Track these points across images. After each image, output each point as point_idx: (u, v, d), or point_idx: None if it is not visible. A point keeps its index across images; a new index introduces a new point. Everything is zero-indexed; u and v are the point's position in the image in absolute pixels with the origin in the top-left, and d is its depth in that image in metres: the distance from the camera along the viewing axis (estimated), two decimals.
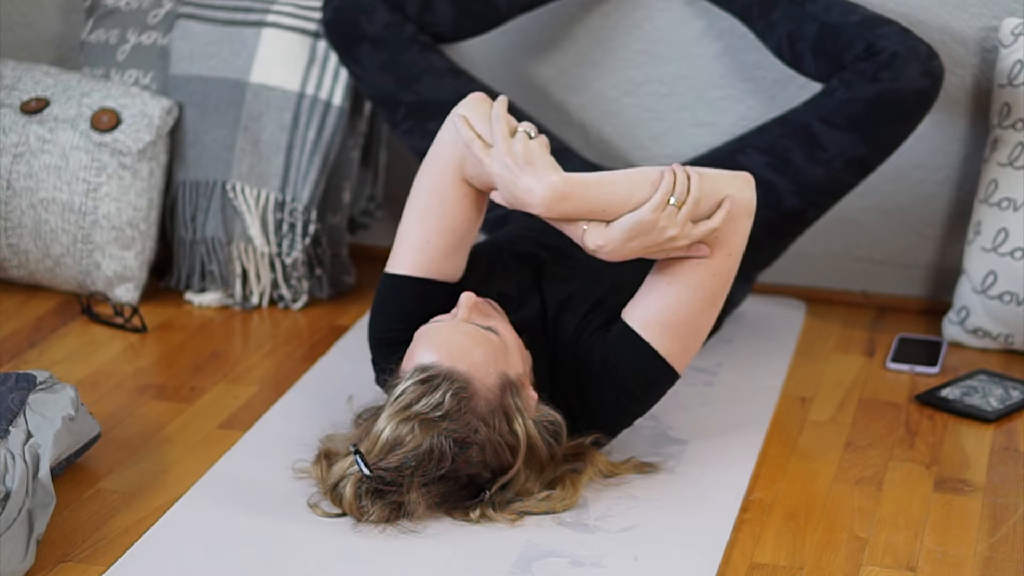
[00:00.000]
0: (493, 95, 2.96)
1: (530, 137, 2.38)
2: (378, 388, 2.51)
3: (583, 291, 2.52)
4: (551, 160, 2.37)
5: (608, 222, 2.36)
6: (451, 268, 2.51)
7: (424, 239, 2.48)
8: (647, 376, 2.43)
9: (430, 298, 2.49)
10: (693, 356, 2.46)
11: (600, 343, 2.44)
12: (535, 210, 2.35)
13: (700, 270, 2.39)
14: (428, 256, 2.49)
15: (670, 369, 2.43)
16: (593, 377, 2.43)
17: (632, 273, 2.48)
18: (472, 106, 2.46)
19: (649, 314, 2.41)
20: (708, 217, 2.36)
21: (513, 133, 2.39)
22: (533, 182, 2.35)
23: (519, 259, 2.61)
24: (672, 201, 2.33)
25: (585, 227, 2.36)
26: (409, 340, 2.39)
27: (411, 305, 2.49)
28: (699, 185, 2.34)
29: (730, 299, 2.83)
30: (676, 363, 2.43)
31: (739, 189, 2.39)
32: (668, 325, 2.40)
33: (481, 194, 2.48)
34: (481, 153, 2.40)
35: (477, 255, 2.63)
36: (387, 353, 2.47)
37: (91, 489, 2.45)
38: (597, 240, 2.36)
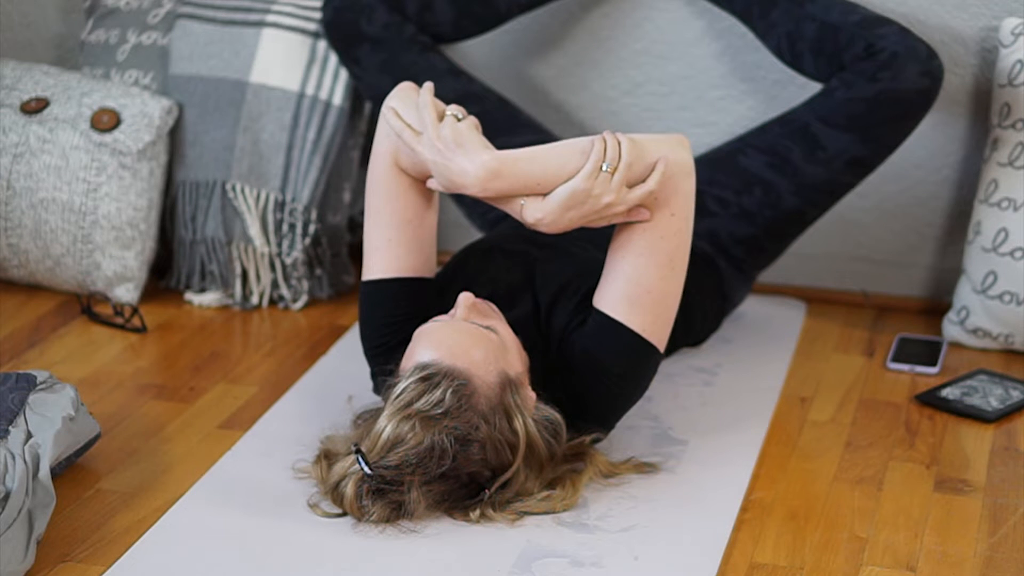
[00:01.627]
0: (493, 95, 2.97)
1: (458, 119, 2.38)
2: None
3: (574, 285, 2.51)
4: (482, 139, 2.38)
5: (545, 195, 2.36)
6: (420, 262, 2.51)
7: (385, 238, 2.49)
8: (627, 357, 2.43)
9: (409, 297, 2.50)
10: (668, 328, 2.45)
11: (580, 336, 2.44)
12: (471, 191, 2.36)
13: (647, 236, 2.39)
14: (394, 254, 2.49)
15: (648, 345, 2.42)
16: (579, 370, 2.43)
17: None
18: (400, 96, 2.46)
19: (614, 294, 2.41)
20: (644, 181, 2.37)
21: (441, 117, 2.40)
22: (466, 163, 2.35)
23: (510, 258, 2.60)
24: (604, 168, 2.34)
25: (523, 202, 2.37)
26: (400, 344, 2.39)
27: (393, 307, 2.50)
28: (629, 150, 2.35)
29: (730, 299, 2.84)
30: (653, 337, 2.42)
31: (672, 149, 2.39)
32: (634, 299, 2.40)
33: (424, 182, 2.49)
34: (412, 141, 2.41)
35: (468, 255, 2.63)
36: (383, 362, 2.46)
37: (91, 489, 2.45)
38: (535, 214, 2.37)
